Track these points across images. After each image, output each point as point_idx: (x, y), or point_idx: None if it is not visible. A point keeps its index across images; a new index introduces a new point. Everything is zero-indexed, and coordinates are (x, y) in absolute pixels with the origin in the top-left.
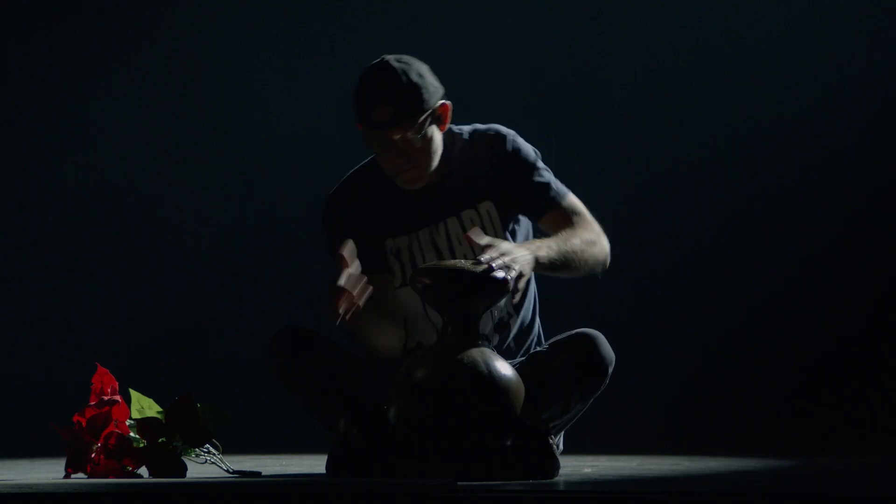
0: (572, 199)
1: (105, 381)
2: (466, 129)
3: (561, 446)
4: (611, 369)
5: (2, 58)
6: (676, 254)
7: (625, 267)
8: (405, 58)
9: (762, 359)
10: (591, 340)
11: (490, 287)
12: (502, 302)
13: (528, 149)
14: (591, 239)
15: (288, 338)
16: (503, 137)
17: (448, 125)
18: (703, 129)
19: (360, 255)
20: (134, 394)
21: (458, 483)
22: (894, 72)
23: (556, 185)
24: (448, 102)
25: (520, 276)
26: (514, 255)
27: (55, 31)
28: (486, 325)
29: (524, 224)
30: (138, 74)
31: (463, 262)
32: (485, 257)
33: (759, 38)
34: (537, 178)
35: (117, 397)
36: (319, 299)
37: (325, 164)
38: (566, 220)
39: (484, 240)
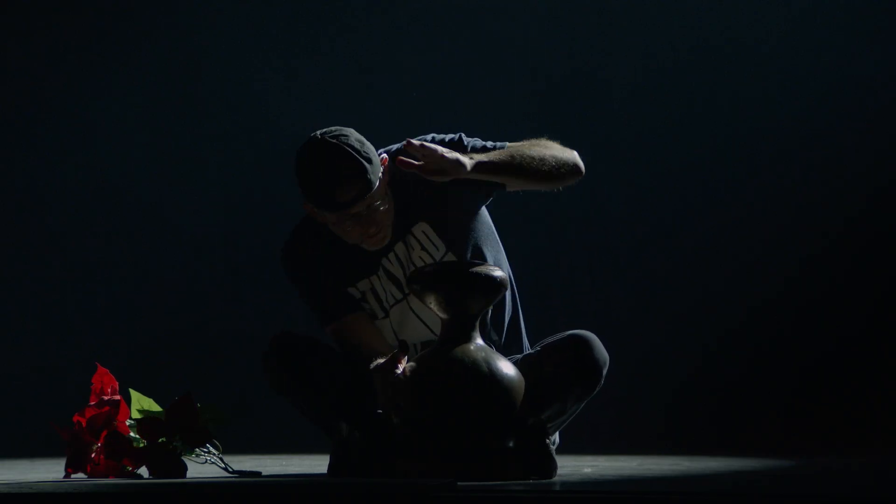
0: (516, 143)
1: (105, 381)
2: (386, 153)
3: (558, 440)
4: (605, 371)
5: (2, 58)
6: (676, 254)
7: (625, 267)
8: (334, 130)
9: (762, 359)
10: (584, 342)
11: (487, 286)
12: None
13: (448, 136)
14: (548, 144)
15: (282, 346)
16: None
17: (387, 176)
18: (702, 129)
19: (334, 300)
20: (134, 394)
21: (458, 483)
22: (893, 72)
23: (493, 143)
24: (385, 156)
25: (458, 161)
26: (449, 154)
27: (55, 31)
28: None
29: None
30: (138, 75)
31: (458, 264)
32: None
33: (759, 38)
34: (470, 146)
35: (117, 397)
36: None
37: None
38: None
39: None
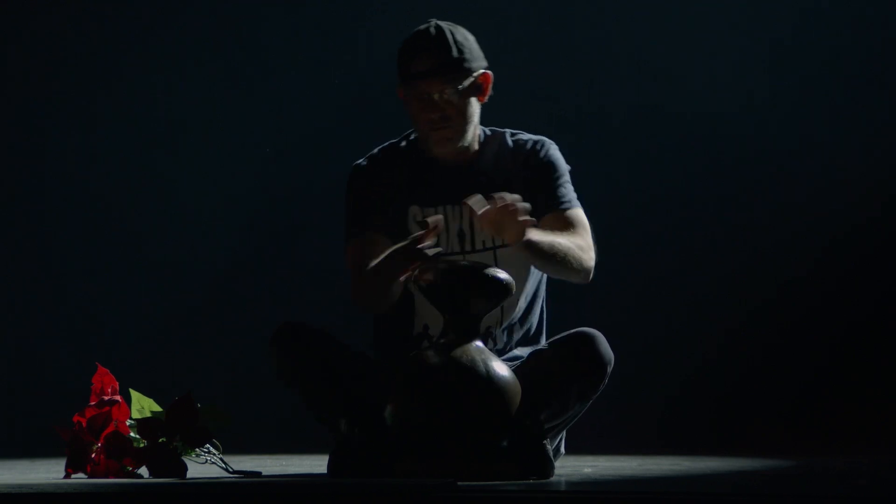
0: (578, 211)
1: (105, 382)
2: (513, 132)
3: (563, 451)
4: (610, 368)
5: (2, 57)
6: (677, 254)
7: (625, 266)
8: (454, 24)
9: (762, 359)
10: (590, 339)
11: (492, 288)
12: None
13: (562, 161)
14: (581, 245)
15: (288, 334)
16: (544, 144)
17: (487, 97)
18: (702, 129)
19: (382, 217)
20: (134, 394)
21: (458, 483)
22: (892, 73)
23: (570, 194)
24: (490, 73)
25: (525, 224)
26: (519, 210)
27: (55, 24)
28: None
29: None
30: (137, 75)
31: (465, 261)
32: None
33: (759, 38)
34: (556, 184)
35: (117, 397)
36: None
37: (326, 163)
38: (564, 224)
39: (478, 207)
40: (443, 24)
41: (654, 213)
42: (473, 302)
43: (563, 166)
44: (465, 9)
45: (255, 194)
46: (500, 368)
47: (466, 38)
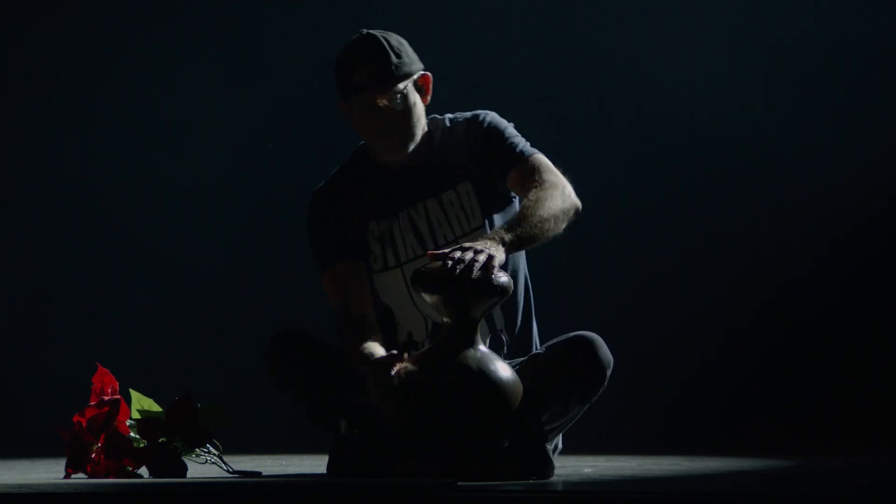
0: (538, 157)
1: (105, 382)
2: (450, 115)
3: (560, 445)
4: (608, 372)
5: (2, 57)
6: (677, 254)
7: (625, 267)
8: (385, 31)
9: (762, 359)
10: (589, 344)
11: (490, 291)
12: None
13: (502, 121)
14: (554, 183)
15: (284, 341)
16: (479, 115)
17: (429, 97)
18: (702, 129)
19: (343, 242)
20: (134, 394)
21: (458, 483)
22: (892, 73)
23: (523, 145)
24: (429, 74)
25: (491, 258)
26: (478, 246)
27: (55, 24)
28: (485, 334)
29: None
30: (137, 75)
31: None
32: (451, 255)
33: (759, 39)
34: (506, 142)
35: (117, 397)
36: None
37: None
38: (530, 175)
39: (437, 255)
40: (375, 32)
41: (654, 214)
42: (471, 305)
43: (505, 124)
44: (465, 9)
45: (255, 194)
46: (502, 369)
47: (402, 44)
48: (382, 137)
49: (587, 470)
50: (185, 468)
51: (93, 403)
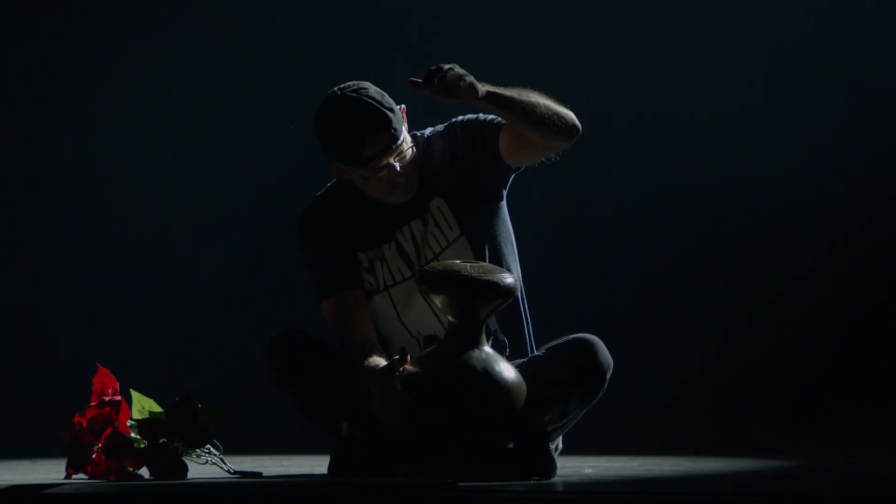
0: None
1: (106, 382)
2: (427, 131)
3: (560, 446)
4: (608, 374)
5: (2, 57)
6: (677, 254)
7: (626, 267)
8: (352, 85)
9: (762, 359)
10: (589, 346)
11: (497, 291)
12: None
13: (473, 114)
14: (552, 102)
15: (284, 343)
16: (453, 123)
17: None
18: (702, 129)
19: (336, 272)
20: (134, 394)
21: (459, 483)
22: (892, 73)
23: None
24: (404, 106)
25: (466, 75)
26: (457, 67)
27: (55, 24)
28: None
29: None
30: (137, 75)
31: (469, 268)
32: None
33: (759, 39)
34: (484, 121)
35: (118, 398)
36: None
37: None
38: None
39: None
40: (354, 93)
41: (654, 214)
42: (476, 306)
43: (475, 113)
44: (465, 9)
45: (255, 195)
46: (506, 369)
47: (382, 94)
48: (398, 186)
49: (588, 470)
50: (186, 469)
51: (93, 404)
